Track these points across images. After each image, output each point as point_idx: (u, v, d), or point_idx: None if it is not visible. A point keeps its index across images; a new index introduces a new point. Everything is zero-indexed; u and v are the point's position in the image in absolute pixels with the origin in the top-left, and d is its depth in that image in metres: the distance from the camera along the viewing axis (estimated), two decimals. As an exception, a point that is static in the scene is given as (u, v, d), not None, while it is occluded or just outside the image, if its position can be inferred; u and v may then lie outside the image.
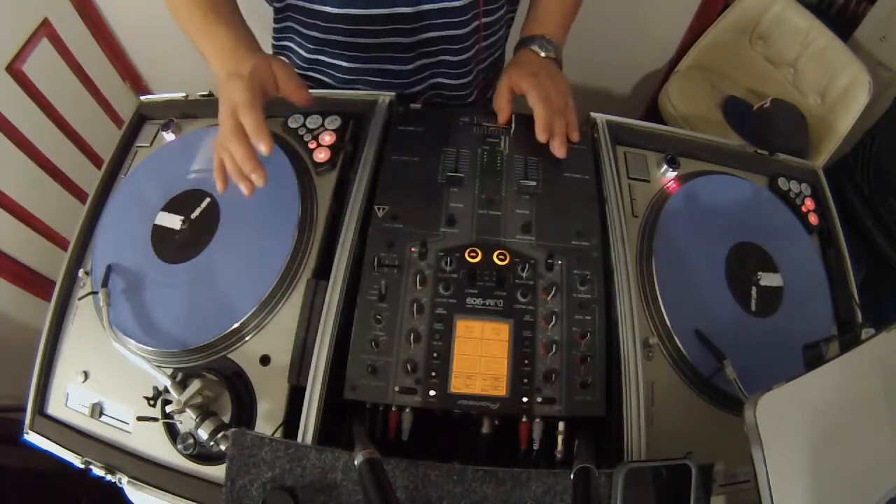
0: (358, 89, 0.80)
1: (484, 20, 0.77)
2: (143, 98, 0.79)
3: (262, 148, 0.55)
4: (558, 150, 0.66)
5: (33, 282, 1.21)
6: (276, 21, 0.80)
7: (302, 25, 0.76)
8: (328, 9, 0.70)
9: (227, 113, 0.56)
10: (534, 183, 0.67)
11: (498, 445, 0.57)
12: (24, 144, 1.18)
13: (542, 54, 0.72)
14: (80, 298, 0.66)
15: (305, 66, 0.83)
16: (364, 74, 0.81)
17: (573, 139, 0.69)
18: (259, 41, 0.65)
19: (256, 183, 0.56)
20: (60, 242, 1.27)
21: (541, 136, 0.66)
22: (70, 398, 0.62)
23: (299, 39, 0.80)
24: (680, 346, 0.61)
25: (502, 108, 0.70)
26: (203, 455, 0.57)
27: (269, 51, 0.87)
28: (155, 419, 0.58)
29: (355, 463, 0.48)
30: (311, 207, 0.66)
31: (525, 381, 0.56)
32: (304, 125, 0.73)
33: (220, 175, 0.58)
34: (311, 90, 0.81)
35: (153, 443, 0.59)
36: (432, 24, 0.73)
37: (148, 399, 0.58)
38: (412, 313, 0.58)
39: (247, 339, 0.60)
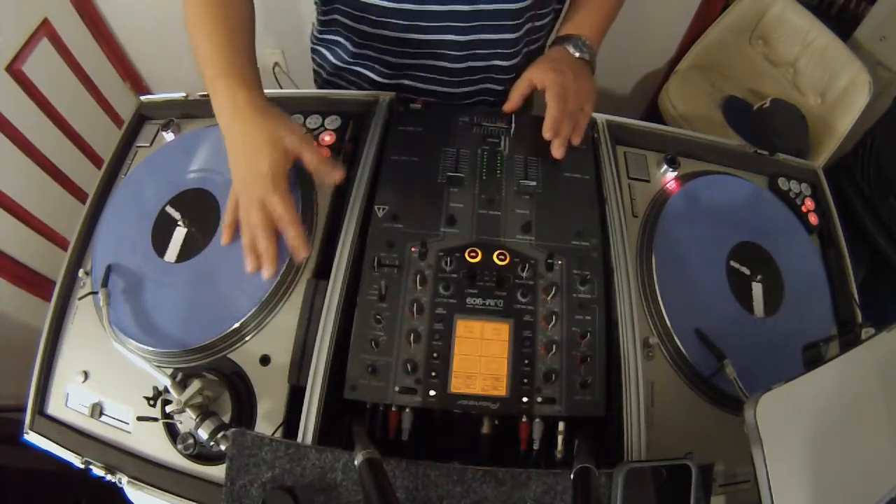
0: (404, 85, 0.79)
1: (535, 24, 0.76)
2: (143, 98, 0.79)
3: (302, 256, 0.58)
4: (556, 150, 0.66)
5: (33, 282, 1.21)
6: (321, 13, 0.79)
7: (350, 19, 0.75)
8: (382, 2, 0.69)
9: (256, 205, 0.58)
10: (534, 183, 0.67)
11: (498, 445, 0.57)
12: (24, 144, 1.19)
13: (577, 55, 0.72)
14: (80, 298, 0.65)
15: (351, 59, 0.81)
16: (411, 70, 0.80)
17: (574, 142, 0.69)
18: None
19: (262, 275, 0.59)
20: (60, 242, 1.27)
21: (546, 134, 0.66)
22: (70, 398, 0.62)
23: (346, 33, 0.78)
24: (680, 346, 0.61)
25: (512, 98, 0.70)
26: (203, 455, 0.57)
27: (308, 44, 0.86)
28: (155, 419, 0.58)
29: (355, 463, 0.48)
30: (312, 207, 0.66)
31: (525, 381, 0.56)
32: (304, 125, 0.73)
33: (230, 230, 0.62)
34: (310, 90, 0.81)
35: (153, 443, 0.58)
36: (486, 25, 0.73)
37: (148, 399, 0.58)
38: (412, 313, 0.58)
39: (247, 339, 0.60)
